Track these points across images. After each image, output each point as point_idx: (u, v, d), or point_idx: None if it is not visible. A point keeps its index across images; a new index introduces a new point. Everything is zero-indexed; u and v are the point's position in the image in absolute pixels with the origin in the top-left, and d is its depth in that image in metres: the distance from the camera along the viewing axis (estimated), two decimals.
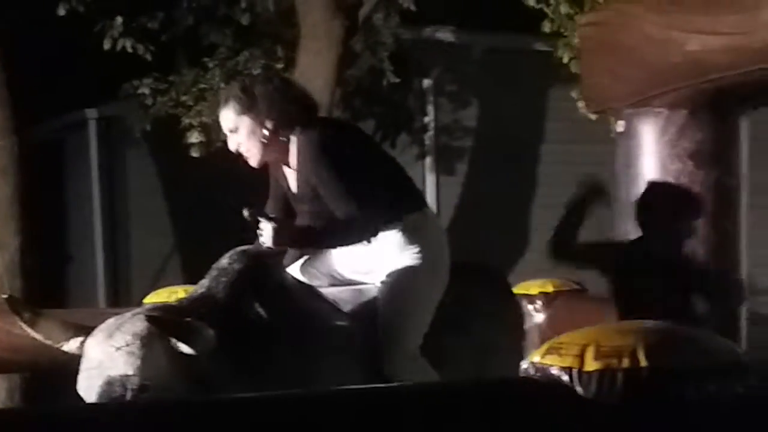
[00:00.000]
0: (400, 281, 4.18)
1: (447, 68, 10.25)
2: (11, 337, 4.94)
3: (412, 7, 9.02)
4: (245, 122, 4.18)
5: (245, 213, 3.89)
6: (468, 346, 4.35)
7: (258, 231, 3.99)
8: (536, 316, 5.92)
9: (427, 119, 10.28)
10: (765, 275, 7.93)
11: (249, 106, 4.17)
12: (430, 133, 10.30)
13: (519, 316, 4.96)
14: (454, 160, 10.48)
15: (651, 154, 5.04)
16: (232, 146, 4.21)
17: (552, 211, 10.58)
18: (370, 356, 4.04)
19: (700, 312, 4.79)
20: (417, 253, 4.21)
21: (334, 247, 4.24)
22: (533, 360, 2.86)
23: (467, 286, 4.45)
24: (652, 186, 4.99)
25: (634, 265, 4.87)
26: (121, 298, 10.38)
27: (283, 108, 4.19)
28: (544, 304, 5.97)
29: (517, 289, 5.53)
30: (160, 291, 5.54)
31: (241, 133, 4.20)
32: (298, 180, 4.22)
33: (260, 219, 3.96)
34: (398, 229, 4.19)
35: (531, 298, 5.96)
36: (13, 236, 8.19)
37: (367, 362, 4.02)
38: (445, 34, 10.44)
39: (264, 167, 4.32)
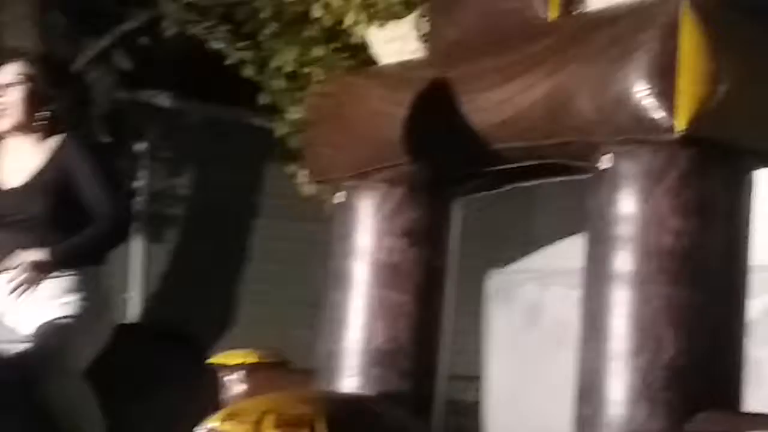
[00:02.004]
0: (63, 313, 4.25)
1: (163, 134, 10.14)
2: None
3: (128, 68, 8.92)
4: (29, 87, 4.27)
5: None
6: (155, 414, 4.22)
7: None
8: (236, 387, 5.81)
9: (139, 184, 10.11)
10: (465, 362, 8.04)
11: (46, 75, 4.32)
12: (142, 198, 10.13)
13: (214, 386, 4.85)
14: (165, 228, 10.32)
15: (366, 229, 5.03)
16: None
17: (261, 285, 10.56)
18: (26, 379, 3.92)
19: (394, 390, 4.75)
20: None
21: (102, 251, 4.35)
22: (209, 426, 2.74)
23: (160, 353, 4.35)
24: (365, 260, 4.95)
25: None
26: None
27: (66, 100, 4.37)
28: (245, 374, 5.87)
29: (218, 359, 5.45)
30: None
31: (21, 89, 4.26)
32: (38, 174, 4.28)
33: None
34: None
35: (231, 369, 5.86)
36: None
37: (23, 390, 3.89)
38: (163, 99, 10.32)
39: None
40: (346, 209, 5.03)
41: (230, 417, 2.68)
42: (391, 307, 4.89)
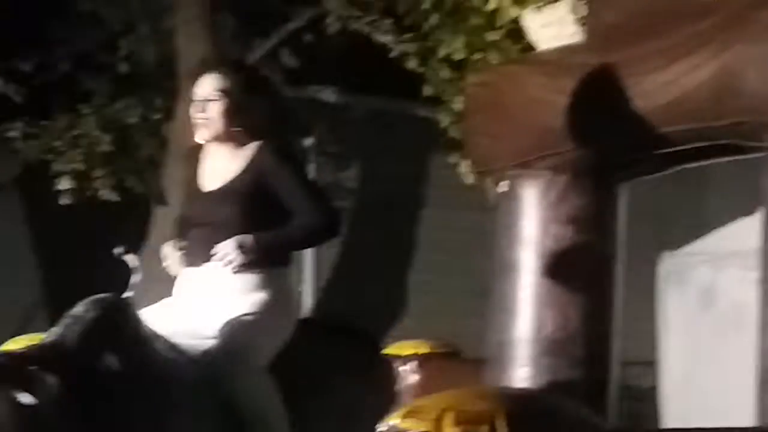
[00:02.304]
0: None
1: (329, 128, 10.25)
2: None
3: (294, 65, 9.05)
4: (227, 101, 4.38)
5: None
6: (334, 407, 4.26)
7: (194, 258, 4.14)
8: (409, 377, 5.83)
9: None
10: (639, 347, 7.94)
11: (243, 88, 4.41)
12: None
13: (390, 377, 4.87)
14: None
15: (532, 217, 4.99)
16: (195, 112, 4.41)
17: (428, 275, 10.58)
18: (213, 376, 4.00)
19: (566, 379, 4.72)
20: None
21: (311, 245, 4.64)
22: (391, 423, 2.77)
23: (336, 347, 4.39)
24: (532, 249, 4.92)
25: None
26: None
27: (261, 109, 4.44)
28: (417, 365, 5.88)
29: (390, 350, 5.47)
30: (18, 338, 5.42)
31: (219, 103, 4.38)
32: (235, 180, 4.40)
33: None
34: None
35: (404, 360, 5.88)
36: None
37: (209, 387, 3.98)
38: (328, 95, 10.41)
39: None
40: (511, 198, 5.02)
41: (410, 414, 2.70)
42: (559, 295, 4.86)
